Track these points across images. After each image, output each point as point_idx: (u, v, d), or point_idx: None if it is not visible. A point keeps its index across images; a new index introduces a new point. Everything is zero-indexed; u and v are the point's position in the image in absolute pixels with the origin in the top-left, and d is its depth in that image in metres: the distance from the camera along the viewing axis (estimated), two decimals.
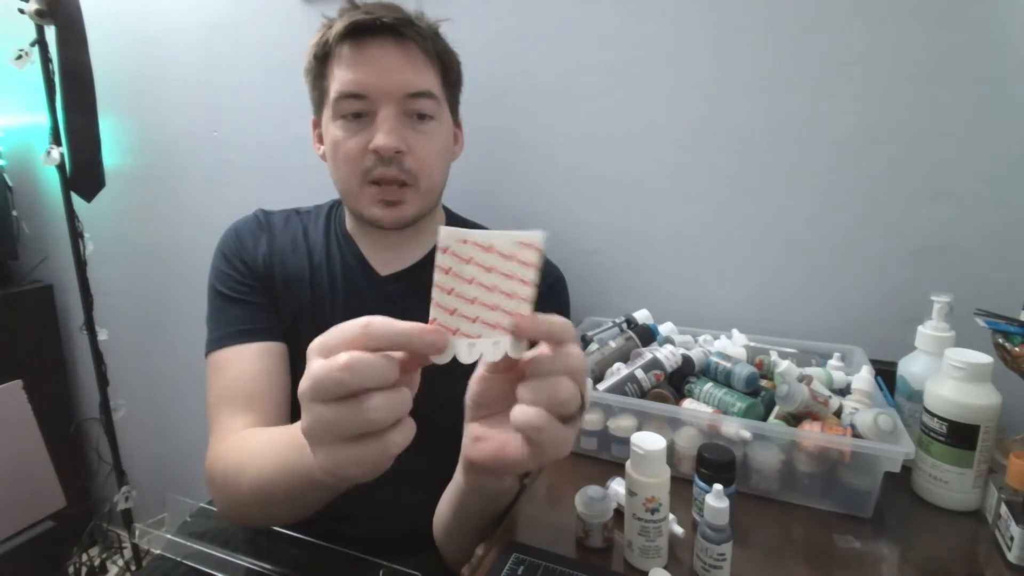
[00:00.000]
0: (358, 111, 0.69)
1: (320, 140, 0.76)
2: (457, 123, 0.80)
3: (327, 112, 0.71)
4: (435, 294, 0.35)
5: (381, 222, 0.72)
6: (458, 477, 0.55)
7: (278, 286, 0.76)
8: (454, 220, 0.85)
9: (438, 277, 0.34)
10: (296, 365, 0.74)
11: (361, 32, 0.68)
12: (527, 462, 0.40)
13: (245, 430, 0.64)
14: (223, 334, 0.71)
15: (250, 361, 0.70)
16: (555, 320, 0.37)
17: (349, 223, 0.80)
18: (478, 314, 0.35)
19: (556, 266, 0.84)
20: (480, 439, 0.44)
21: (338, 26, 0.68)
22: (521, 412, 0.37)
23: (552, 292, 0.81)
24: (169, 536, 0.69)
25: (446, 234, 0.34)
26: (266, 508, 0.58)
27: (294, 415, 0.70)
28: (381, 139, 0.67)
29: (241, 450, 0.61)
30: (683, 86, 0.88)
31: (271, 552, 0.73)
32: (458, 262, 0.35)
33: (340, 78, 0.69)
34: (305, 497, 0.54)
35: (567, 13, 0.93)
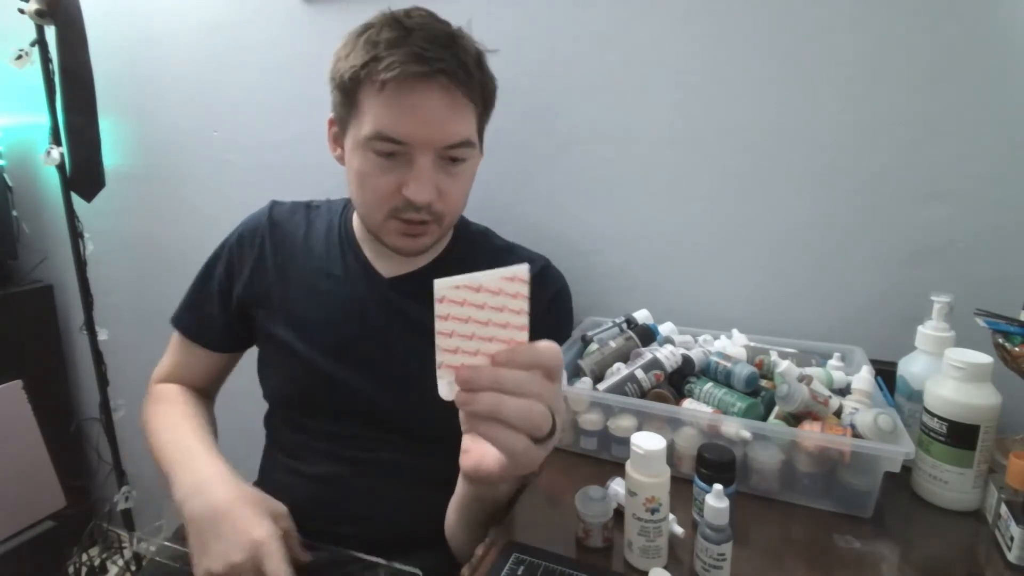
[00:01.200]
0: (392, 152, 0.65)
1: (336, 142, 0.73)
2: (481, 149, 0.76)
3: (355, 135, 0.67)
4: (438, 340, 0.38)
5: (401, 252, 0.72)
6: (459, 482, 0.58)
7: (276, 287, 0.77)
8: (463, 226, 0.84)
9: (439, 325, 0.38)
10: (290, 362, 0.75)
11: (420, 76, 0.62)
12: (501, 475, 0.46)
13: (180, 391, 0.83)
14: (185, 315, 0.85)
15: (194, 357, 0.85)
16: (540, 347, 0.41)
17: (357, 228, 0.80)
18: (478, 348, 0.39)
19: (561, 275, 0.81)
20: (465, 451, 0.50)
21: (389, 62, 0.61)
22: (478, 427, 0.41)
23: (552, 306, 0.79)
24: (166, 543, 0.69)
25: (439, 285, 0.37)
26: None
27: (290, 412, 0.80)
28: (416, 192, 0.64)
29: (162, 403, 0.80)
30: (683, 86, 0.88)
31: None
32: (453, 306, 0.38)
33: (378, 115, 0.63)
34: None
35: (567, 14, 0.93)
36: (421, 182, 0.65)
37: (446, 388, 0.40)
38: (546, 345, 0.42)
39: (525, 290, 0.39)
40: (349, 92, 0.66)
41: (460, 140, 0.66)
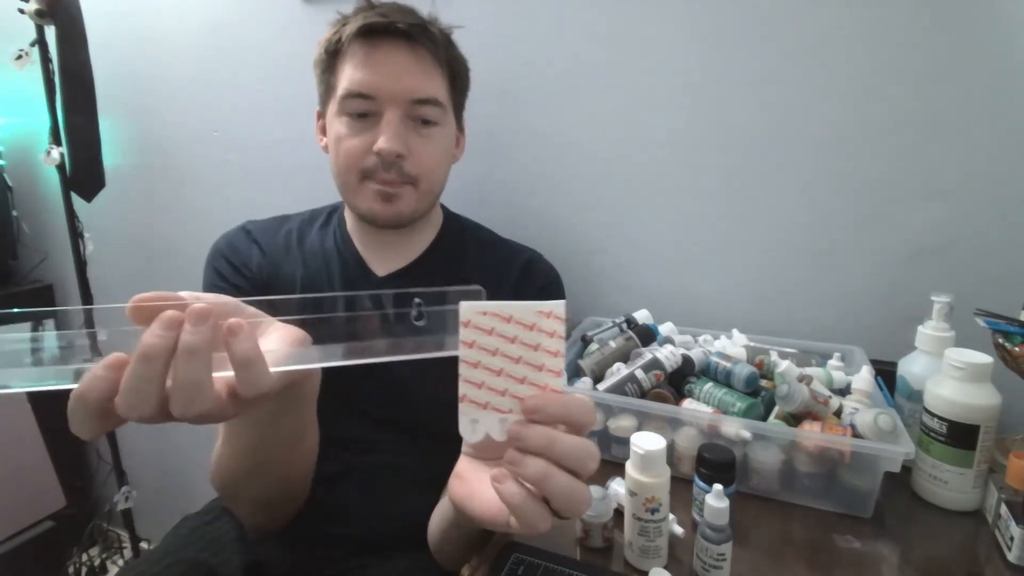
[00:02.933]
0: (364, 111, 0.69)
1: (323, 132, 0.76)
2: (460, 127, 0.80)
3: (332, 107, 0.72)
4: (462, 370, 0.35)
5: (377, 218, 0.72)
6: (445, 496, 0.54)
7: (273, 292, 0.76)
8: (452, 219, 0.84)
9: (463, 352, 0.35)
10: None
11: (374, 33, 0.68)
12: (493, 524, 0.39)
13: None
14: None
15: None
16: (572, 401, 0.36)
17: (350, 223, 0.80)
18: (506, 387, 0.35)
19: (552, 268, 0.82)
20: (459, 476, 0.44)
21: (352, 25, 0.68)
22: (504, 486, 0.35)
23: (542, 297, 0.78)
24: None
25: (466, 308, 0.35)
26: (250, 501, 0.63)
27: None
28: (384, 142, 0.67)
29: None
30: (682, 86, 0.88)
31: (263, 553, 0.73)
32: (480, 334, 0.35)
33: (349, 76, 0.69)
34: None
35: (566, 13, 0.93)
36: (388, 133, 0.67)
37: (468, 427, 0.35)
38: (580, 401, 0.36)
39: (562, 329, 0.36)
40: (325, 69, 0.72)
41: (427, 96, 0.69)
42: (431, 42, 0.69)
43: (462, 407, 0.35)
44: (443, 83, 0.72)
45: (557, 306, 0.35)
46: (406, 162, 0.69)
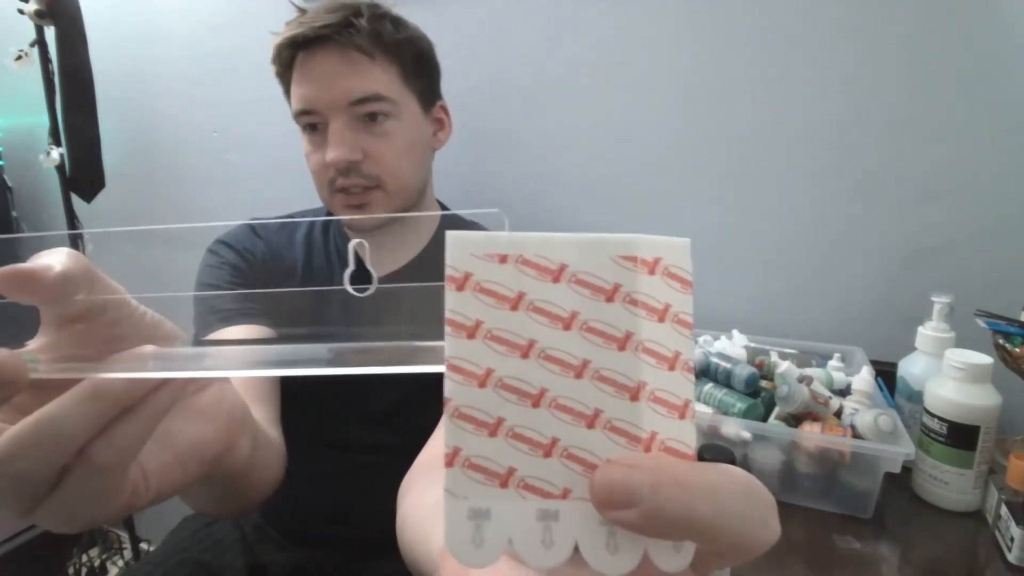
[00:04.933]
0: (313, 123, 0.69)
1: None
2: (433, 110, 0.76)
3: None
4: (450, 390, 0.17)
5: (354, 227, 0.73)
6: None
7: (274, 280, 0.75)
8: (450, 216, 0.84)
9: (453, 348, 0.17)
10: None
11: (302, 44, 0.67)
12: None
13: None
14: (207, 320, 0.63)
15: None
16: (723, 485, 0.16)
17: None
18: (558, 434, 0.17)
19: None
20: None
21: (280, 40, 0.68)
22: None
23: None
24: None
25: (455, 244, 0.17)
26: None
27: (285, 411, 0.66)
28: (331, 154, 0.67)
29: None
30: (681, 87, 0.88)
31: (264, 554, 0.73)
32: (489, 308, 0.17)
33: (294, 93, 0.69)
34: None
35: (565, 14, 0.93)
36: (332, 143, 0.67)
37: (463, 527, 0.16)
38: (744, 487, 0.17)
39: (686, 300, 0.18)
40: (283, 86, 0.73)
41: (366, 95, 0.67)
42: (361, 36, 0.66)
43: (450, 479, 0.16)
44: (388, 73, 0.68)
45: (670, 247, 0.18)
46: (363, 165, 0.68)
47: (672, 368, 0.17)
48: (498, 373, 0.17)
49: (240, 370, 0.25)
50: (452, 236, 0.17)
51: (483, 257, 0.17)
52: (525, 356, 0.17)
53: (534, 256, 0.17)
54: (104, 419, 0.21)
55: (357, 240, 0.25)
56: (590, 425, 0.16)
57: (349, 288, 0.25)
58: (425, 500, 0.41)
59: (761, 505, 0.16)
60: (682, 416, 0.17)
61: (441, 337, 0.17)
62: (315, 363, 0.22)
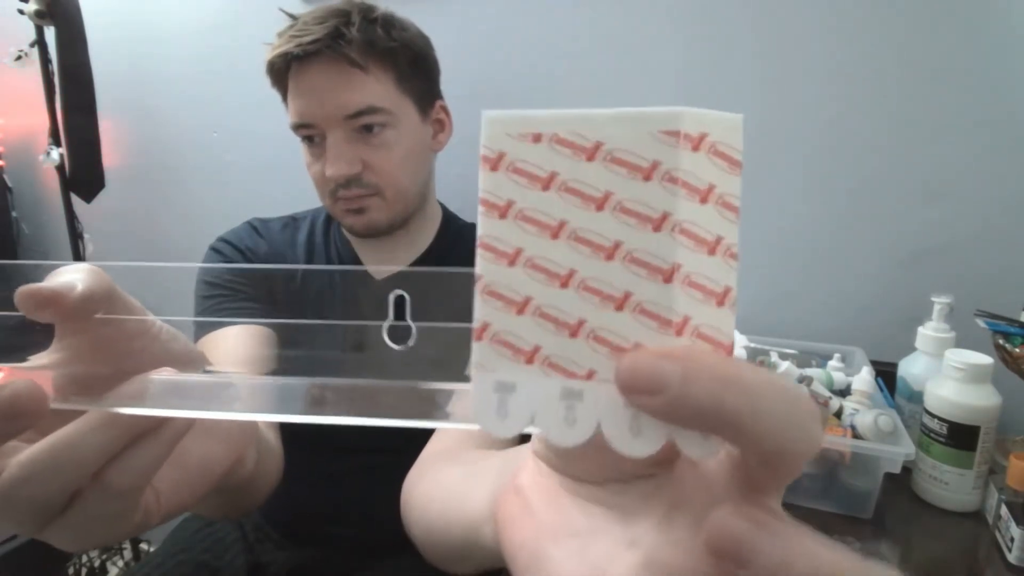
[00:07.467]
0: (311, 135, 0.70)
1: None
2: (433, 112, 0.75)
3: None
4: (482, 266, 0.17)
5: (357, 232, 0.73)
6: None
7: (275, 277, 0.75)
8: (451, 220, 0.84)
9: (485, 227, 0.17)
10: None
11: (298, 58, 0.66)
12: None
13: None
14: (206, 317, 0.65)
15: (236, 338, 0.59)
16: (761, 382, 0.15)
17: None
18: (585, 315, 0.16)
19: None
20: (519, 495, 0.23)
21: (273, 54, 0.67)
22: None
23: None
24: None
25: (491, 123, 0.17)
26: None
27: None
28: (330, 170, 0.67)
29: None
30: (681, 87, 0.88)
31: (265, 554, 0.73)
32: (522, 188, 0.17)
33: (290, 105, 0.70)
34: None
35: (564, 14, 0.93)
36: (330, 158, 0.67)
37: (489, 400, 0.17)
38: (781, 386, 0.16)
39: (734, 182, 0.19)
40: (282, 96, 0.73)
41: (361, 108, 0.66)
42: (352, 47, 0.64)
43: (478, 352, 0.17)
44: (383, 82, 0.67)
45: (720, 122, 0.18)
46: (363, 175, 0.68)
47: (712, 253, 0.18)
48: (527, 253, 0.17)
49: (264, 414, 0.23)
50: (488, 116, 0.17)
51: (517, 136, 0.17)
52: (555, 237, 0.17)
53: (569, 134, 0.17)
54: (119, 444, 0.21)
55: (398, 292, 0.23)
56: (619, 307, 0.16)
57: (388, 342, 0.24)
58: (448, 476, 0.40)
59: (802, 410, 0.15)
60: (720, 303, 0.17)
61: (460, 379, 0.17)
62: (327, 409, 0.22)
